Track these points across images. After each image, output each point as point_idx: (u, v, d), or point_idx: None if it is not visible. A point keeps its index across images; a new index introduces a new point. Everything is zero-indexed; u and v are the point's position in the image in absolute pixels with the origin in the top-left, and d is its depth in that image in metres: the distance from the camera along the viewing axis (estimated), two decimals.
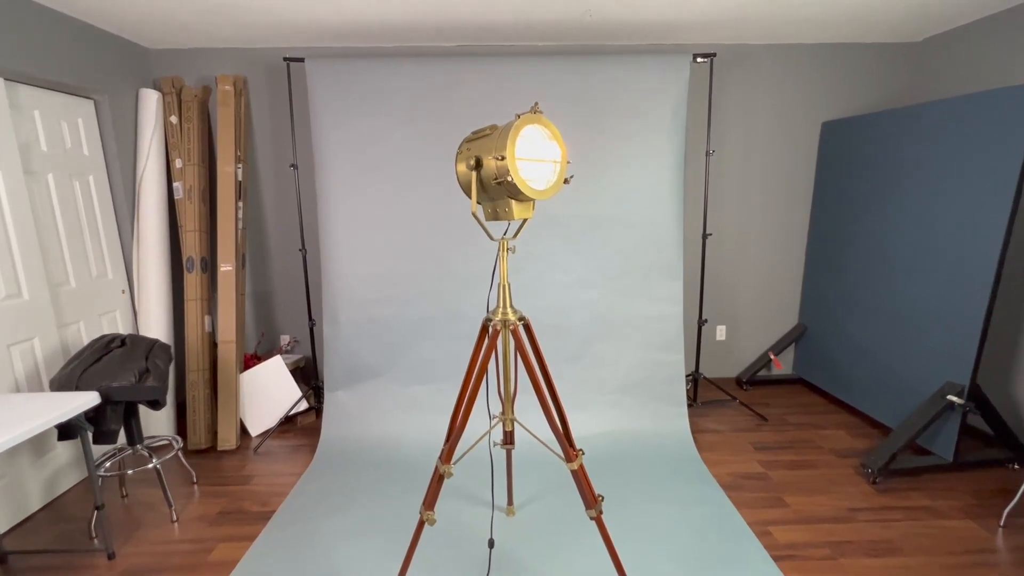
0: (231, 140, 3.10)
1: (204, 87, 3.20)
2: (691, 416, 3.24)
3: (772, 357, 3.67)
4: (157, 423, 3.01)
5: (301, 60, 2.86)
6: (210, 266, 3.16)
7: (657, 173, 2.96)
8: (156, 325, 3.04)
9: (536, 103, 1.37)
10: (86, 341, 2.77)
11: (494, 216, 1.51)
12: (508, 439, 1.92)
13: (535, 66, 2.88)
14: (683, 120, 2.93)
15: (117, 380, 2.09)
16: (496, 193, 1.43)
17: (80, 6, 2.53)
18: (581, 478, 1.57)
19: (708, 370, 3.82)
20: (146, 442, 2.57)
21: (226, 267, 3.07)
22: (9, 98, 2.37)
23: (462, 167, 1.47)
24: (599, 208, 2.98)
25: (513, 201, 1.43)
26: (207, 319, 3.10)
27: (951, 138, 2.56)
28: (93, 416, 2.10)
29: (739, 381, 3.75)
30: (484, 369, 1.57)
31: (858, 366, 3.18)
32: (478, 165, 1.39)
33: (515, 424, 1.77)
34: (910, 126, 2.81)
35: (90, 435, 2.02)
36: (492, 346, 1.55)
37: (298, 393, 3.25)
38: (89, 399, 1.93)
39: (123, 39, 3.02)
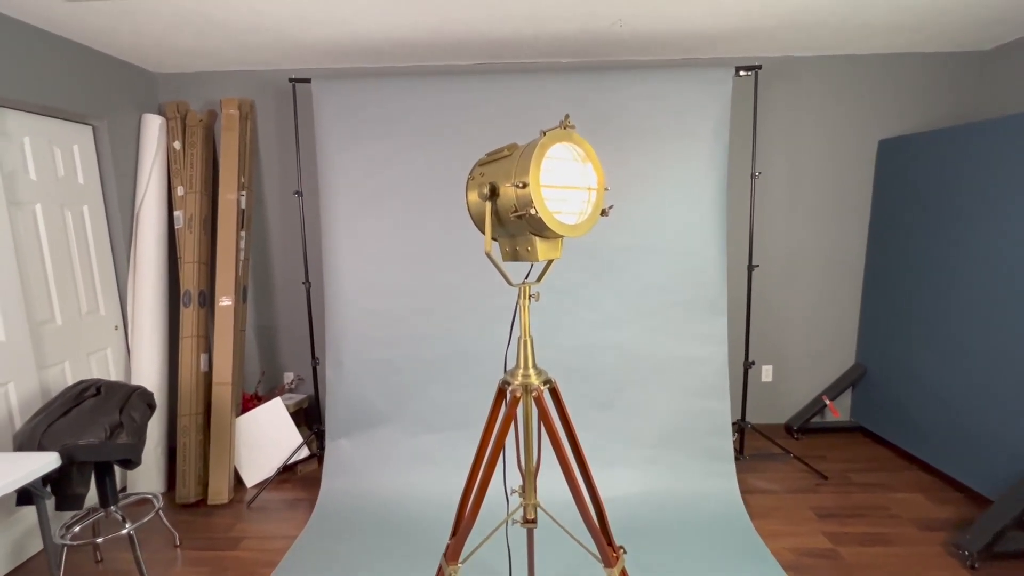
0: (234, 166, 2.91)
1: (209, 111, 3.04)
2: (738, 472, 2.83)
3: (827, 402, 3.25)
4: (146, 473, 2.76)
5: (307, 81, 2.67)
6: (208, 300, 2.95)
7: (697, 198, 2.64)
8: (149, 364, 2.81)
9: (567, 116, 1.08)
10: (71, 382, 2.56)
11: (513, 256, 1.22)
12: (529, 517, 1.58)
13: (559, 82, 2.63)
14: (725, 139, 2.62)
15: (84, 437, 1.83)
16: (516, 228, 1.14)
17: (79, 30, 2.39)
18: None
19: (752, 416, 3.41)
20: (125, 499, 2.31)
21: (225, 301, 2.85)
22: None
23: (473, 196, 1.19)
24: (631, 237, 2.67)
25: (537, 239, 1.13)
26: (203, 358, 2.86)
27: None
28: (57, 478, 1.84)
29: (788, 429, 3.32)
30: (500, 445, 1.26)
31: (934, 416, 2.75)
32: (493, 194, 1.10)
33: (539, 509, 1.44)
34: (981, 143, 2.44)
35: (49, 501, 1.76)
36: (510, 417, 1.24)
37: (299, 439, 2.97)
38: (46, 462, 1.68)
39: (127, 63, 2.89)
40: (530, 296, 1.24)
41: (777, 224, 3.19)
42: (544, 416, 1.23)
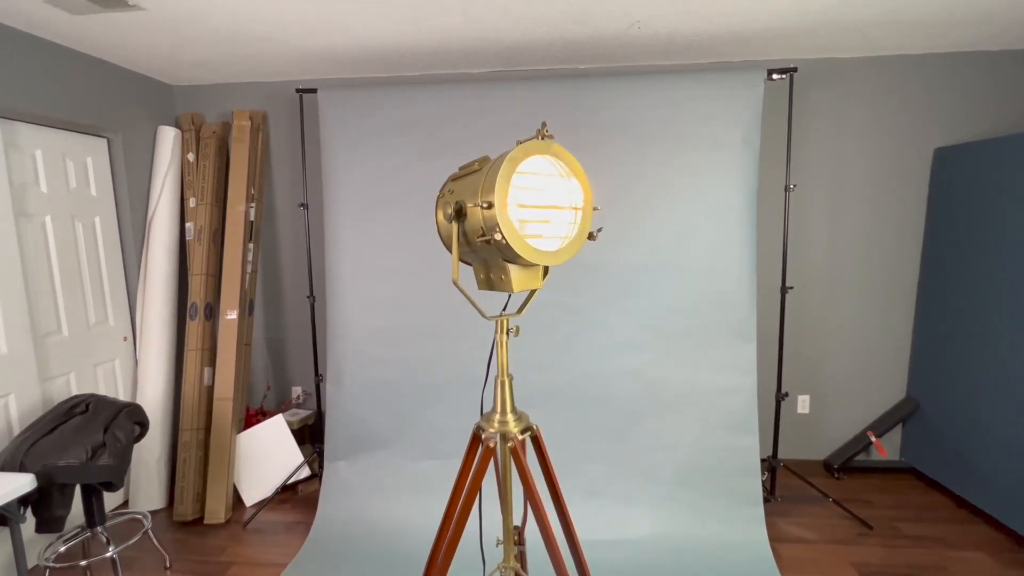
0: (243, 178, 2.88)
1: (223, 123, 3.03)
2: (768, 515, 2.55)
3: (873, 439, 2.92)
4: (147, 489, 2.72)
5: (314, 91, 2.61)
6: (215, 313, 2.91)
7: (723, 212, 2.42)
8: (155, 376, 2.79)
9: (544, 124, 0.92)
10: (75, 394, 2.55)
11: (488, 285, 1.06)
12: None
13: (575, 88, 2.47)
14: (756, 149, 2.40)
15: (64, 458, 1.78)
16: (487, 254, 0.98)
17: (90, 43, 2.40)
18: None
19: (787, 450, 3.11)
20: (115, 518, 2.25)
21: (230, 314, 2.80)
22: (4, 138, 2.23)
23: (440, 216, 1.04)
24: (650, 255, 2.47)
25: (511, 266, 0.97)
26: (207, 371, 2.82)
27: None
28: (37, 499, 1.79)
29: (828, 466, 3.01)
30: (472, 500, 1.09)
31: (1001, 461, 2.40)
32: (459, 215, 0.95)
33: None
34: None
35: (21, 525, 1.70)
36: (482, 470, 1.07)
37: (300, 458, 2.88)
38: (20, 484, 1.62)
39: (145, 76, 2.91)
40: (508, 331, 1.08)
41: (814, 242, 2.91)
42: (522, 474, 1.05)
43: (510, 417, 1.10)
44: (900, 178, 2.83)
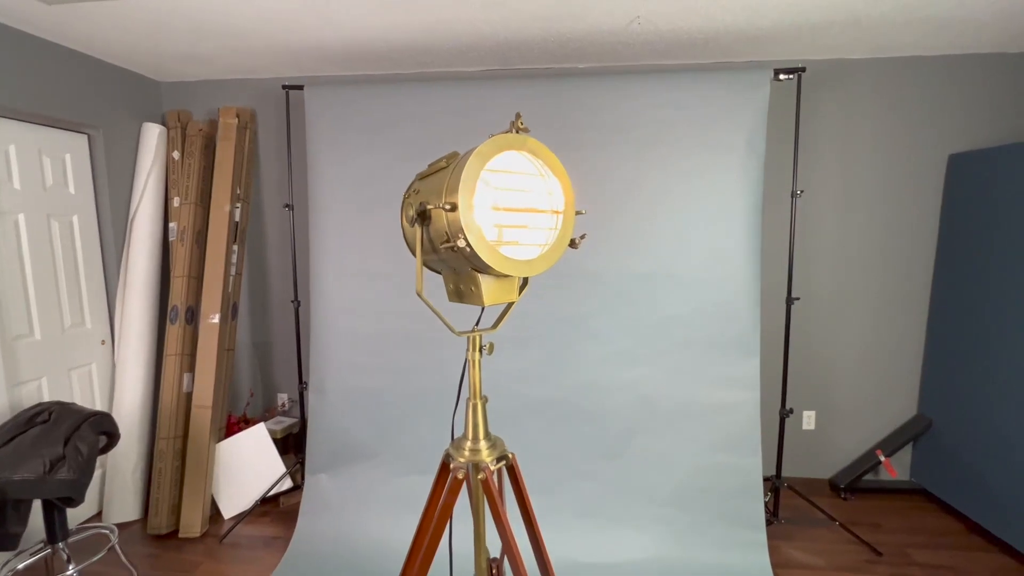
0: (229, 177, 2.78)
1: (210, 121, 2.94)
2: (770, 539, 2.42)
3: (882, 458, 2.79)
4: (122, 499, 2.61)
5: (301, 87, 2.51)
6: (196, 317, 2.80)
7: (726, 219, 2.30)
8: (133, 381, 2.69)
9: (518, 116, 0.81)
10: (47, 399, 2.44)
11: (457, 296, 0.95)
12: None
13: (571, 87, 2.36)
14: (761, 152, 2.28)
15: (20, 471, 1.67)
16: (456, 262, 0.87)
17: (70, 36, 2.32)
18: None
19: (791, 469, 2.97)
20: (83, 533, 2.14)
21: (212, 318, 2.70)
22: None
23: (403, 219, 0.93)
24: (649, 262, 2.36)
25: (482, 276, 0.86)
26: (187, 377, 2.71)
27: None
28: None
29: (834, 486, 2.87)
30: (439, 535, 0.97)
31: (1019, 486, 2.26)
32: (422, 218, 0.84)
33: None
34: None
35: None
36: (451, 502, 0.96)
37: (282, 468, 2.76)
38: None
39: (131, 72, 2.82)
40: (481, 348, 0.97)
41: (822, 250, 2.78)
42: (494, 509, 0.94)
43: (483, 444, 0.98)
44: (913, 184, 2.70)
